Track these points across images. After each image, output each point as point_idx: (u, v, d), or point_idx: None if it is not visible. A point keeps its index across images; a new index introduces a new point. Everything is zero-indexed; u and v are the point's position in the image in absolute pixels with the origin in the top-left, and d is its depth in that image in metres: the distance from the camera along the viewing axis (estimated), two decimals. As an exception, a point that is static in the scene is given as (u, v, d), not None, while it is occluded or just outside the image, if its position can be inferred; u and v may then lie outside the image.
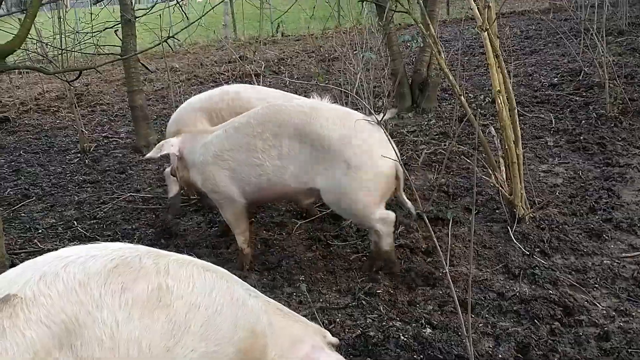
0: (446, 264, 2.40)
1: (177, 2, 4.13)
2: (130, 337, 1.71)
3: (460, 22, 11.54)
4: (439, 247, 2.39)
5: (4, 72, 3.65)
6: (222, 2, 4.58)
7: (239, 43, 14.20)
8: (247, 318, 1.96)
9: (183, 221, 4.26)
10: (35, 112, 8.68)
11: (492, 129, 4.18)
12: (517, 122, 3.68)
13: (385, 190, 3.21)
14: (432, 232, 2.38)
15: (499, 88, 3.60)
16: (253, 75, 6.90)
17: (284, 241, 3.84)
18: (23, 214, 4.63)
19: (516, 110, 3.68)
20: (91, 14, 6.07)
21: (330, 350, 2.12)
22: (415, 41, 2.89)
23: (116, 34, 6.01)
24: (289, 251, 3.68)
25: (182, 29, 4.38)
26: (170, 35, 4.32)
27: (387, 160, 2.97)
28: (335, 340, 2.21)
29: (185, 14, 4.20)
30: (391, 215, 3.26)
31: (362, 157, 3.09)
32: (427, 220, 2.39)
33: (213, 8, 4.42)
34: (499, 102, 3.62)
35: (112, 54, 6.09)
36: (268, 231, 4.01)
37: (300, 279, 3.29)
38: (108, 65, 12.66)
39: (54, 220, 4.48)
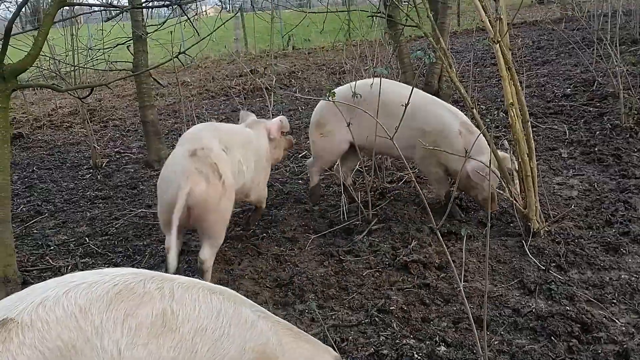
0: (460, 279, 2.36)
1: (188, 18, 4.14)
2: None
3: (472, 33, 11.52)
4: (452, 263, 2.36)
5: (18, 89, 3.66)
6: (233, 17, 4.58)
7: (250, 57, 14.28)
8: (256, 339, 1.94)
9: (194, 237, 4.24)
10: (49, 128, 8.74)
11: (505, 141, 4.14)
12: (531, 135, 3.63)
13: None
14: (445, 247, 2.33)
15: (511, 100, 3.56)
16: (264, 89, 6.91)
17: (296, 257, 3.81)
18: (35, 231, 4.64)
19: (529, 123, 3.64)
20: (102, 30, 6.10)
21: None
22: (427, 57, 2.87)
23: (128, 50, 6.06)
24: (301, 267, 3.65)
25: (193, 45, 4.40)
26: (182, 51, 4.33)
27: None
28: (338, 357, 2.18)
29: (196, 29, 4.20)
30: None
31: None
32: (439, 235, 2.36)
33: (224, 23, 4.42)
34: (512, 114, 3.58)
35: (124, 70, 6.13)
36: (280, 247, 3.98)
37: (311, 297, 3.25)
38: (120, 80, 12.81)
39: (65, 237, 4.48)
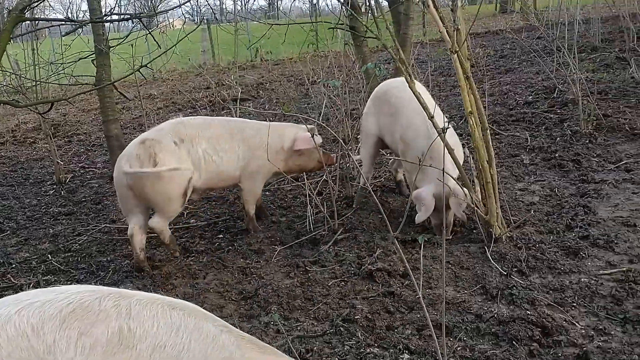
0: (419, 287, 2.38)
1: (149, 32, 4.12)
2: None
3: (438, 43, 11.69)
4: (409, 270, 2.38)
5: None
6: (196, 29, 4.58)
7: (218, 69, 14.24)
8: (219, 354, 1.91)
9: (158, 251, 4.20)
10: (12, 144, 8.58)
11: (467, 149, 4.21)
12: (490, 142, 3.69)
13: None
14: (403, 255, 2.35)
15: (470, 109, 3.62)
16: (231, 101, 6.91)
17: (262, 269, 3.80)
18: (-4, 249, 4.54)
19: (489, 131, 3.70)
20: (62, 45, 6.02)
21: None
22: (378, 69, 2.91)
23: (93, 64, 5.99)
24: (267, 279, 3.63)
25: (155, 57, 4.38)
26: (143, 64, 4.30)
27: None
28: None
29: (158, 43, 4.18)
30: None
31: None
32: (397, 244, 2.38)
33: (187, 35, 4.41)
34: (472, 122, 3.64)
35: (86, 84, 6.05)
36: (245, 259, 3.96)
37: (275, 308, 3.24)
38: (85, 94, 12.65)
39: (28, 254, 4.40)
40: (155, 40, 4.14)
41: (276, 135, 4.30)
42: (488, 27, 15.68)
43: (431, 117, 3.61)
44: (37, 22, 5.00)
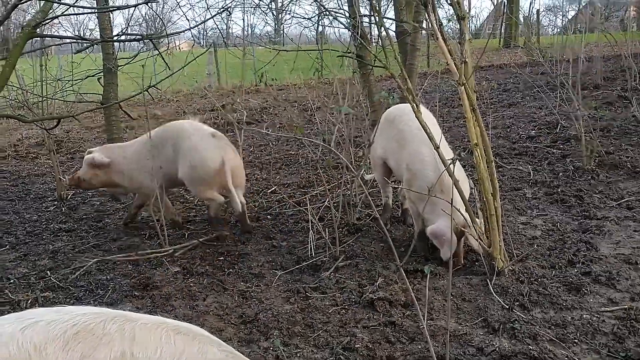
0: (424, 318, 2.37)
1: (159, 53, 4.16)
2: None
3: (441, 74, 11.80)
4: (415, 301, 2.37)
5: (-19, 119, 3.61)
6: (205, 52, 4.63)
7: (222, 92, 14.34)
8: None
9: (158, 271, 4.17)
10: (14, 159, 8.60)
11: (471, 181, 4.22)
12: (495, 175, 3.71)
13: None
14: (409, 285, 2.34)
15: (476, 141, 3.64)
16: (235, 124, 6.94)
17: (262, 293, 3.78)
18: (-7, 263, 4.52)
19: (494, 163, 3.72)
20: (73, 62, 6.08)
21: None
22: (392, 98, 2.93)
23: (99, 82, 6.04)
24: (267, 304, 3.61)
25: (163, 79, 4.42)
26: (152, 84, 4.34)
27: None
28: None
29: (167, 64, 4.22)
30: None
31: None
32: (403, 273, 2.37)
33: (196, 58, 4.46)
34: (477, 154, 3.66)
35: (92, 102, 6.10)
36: (246, 282, 3.94)
37: (275, 334, 3.21)
38: (89, 112, 12.72)
39: (26, 270, 4.37)
40: (165, 61, 4.18)
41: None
42: (492, 60, 15.86)
43: (437, 148, 3.64)
44: (47, 38, 5.04)
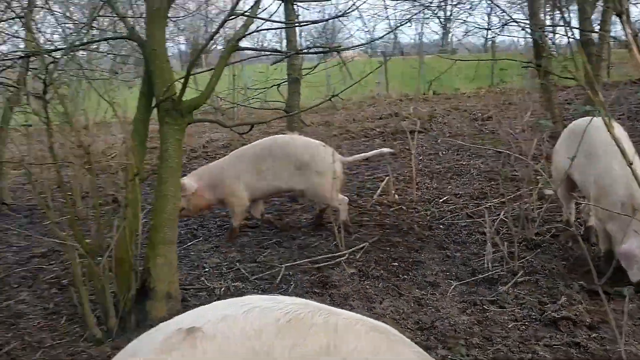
0: (620, 341, 2.25)
1: (344, 64, 4.39)
2: None
3: (622, 84, 10.91)
4: (613, 323, 2.26)
5: (191, 123, 4.06)
6: (384, 64, 4.76)
7: (391, 100, 14.53)
8: None
9: (336, 272, 4.37)
10: (204, 159, 9.45)
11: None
12: None
13: None
14: (608, 307, 2.25)
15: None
16: (408, 132, 7.03)
17: (438, 302, 3.80)
18: (192, 253, 5.03)
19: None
20: (261, 72, 6.58)
21: None
22: (597, 112, 2.80)
23: (278, 91, 6.49)
24: (443, 312, 3.63)
25: (346, 88, 4.62)
26: (335, 93, 4.56)
27: None
28: None
29: (350, 73, 4.42)
30: None
31: None
32: (602, 294, 2.27)
33: (377, 69, 4.60)
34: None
35: (277, 109, 6.54)
36: (421, 290, 3.99)
37: (460, 342, 3.22)
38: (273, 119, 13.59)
39: (218, 260, 4.81)
40: (348, 71, 4.38)
41: None
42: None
43: (630, 164, 3.40)
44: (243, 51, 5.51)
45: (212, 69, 4.18)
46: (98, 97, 5.93)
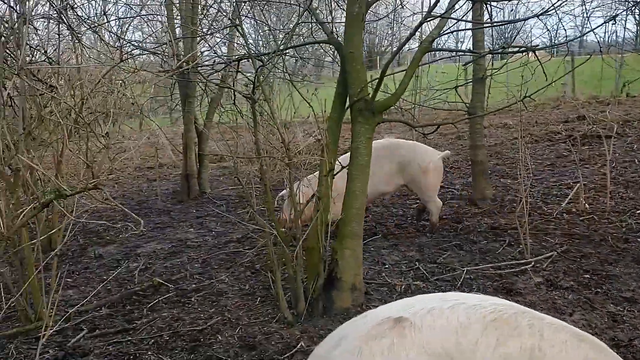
0: None
1: (540, 63, 4.20)
2: None
3: None
4: None
5: (380, 123, 4.18)
6: (584, 63, 4.48)
7: (576, 102, 13.60)
8: None
9: (521, 279, 4.24)
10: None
11: None
12: None
13: None
14: None
15: None
16: (603, 137, 6.56)
17: (635, 319, 3.53)
18: (372, 249, 5.17)
19: None
20: (443, 72, 6.55)
21: None
22: None
23: (456, 92, 6.39)
24: (642, 331, 3.36)
25: (540, 89, 4.43)
26: (527, 94, 4.40)
27: None
28: None
29: (545, 73, 4.23)
30: None
31: None
32: None
33: (579, 65, 4.35)
34: None
35: (459, 110, 6.46)
36: (616, 305, 3.73)
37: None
38: (442, 115, 13.47)
39: (397, 258, 4.90)
40: (544, 71, 4.19)
41: None
42: None
43: None
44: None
45: (403, 71, 4.26)
46: (287, 97, 6.34)
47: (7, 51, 3.33)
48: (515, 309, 1.93)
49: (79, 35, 4.56)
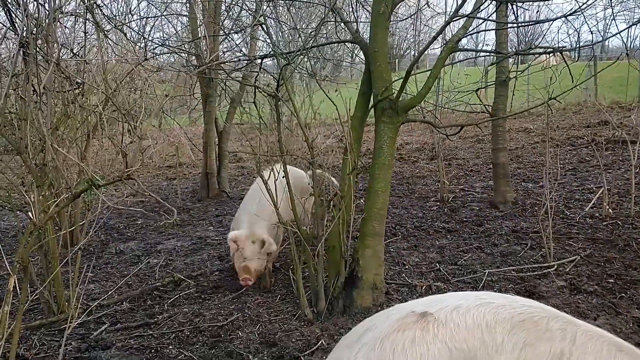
0: None
1: (567, 65, 4.17)
2: None
3: None
4: None
5: (405, 123, 4.17)
6: (610, 65, 4.44)
7: (599, 107, 13.45)
8: None
9: (543, 282, 4.19)
10: (397, 161, 9.62)
11: None
12: None
13: None
14: None
15: None
16: (626, 142, 6.48)
17: (662, 325, 3.48)
18: (392, 249, 5.16)
19: None
20: (466, 74, 6.52)
21: None
22: None
23: (477, 94, 6.36)
24: (670, 337, 3.31)
25: (565, 91, 4.39)
26: (552, 96, 4.36)
27: None
28: None
29: (571, 74, 4.19)
30: None
31: None
32: None
33: (601, 71, 4.31)
34: None
35: (481, 112, 6.42)
36: (641, 310, 3.68)
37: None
38: (461, 119, 13.42)
39: (418, 260, 4.88)
40: (570, 72, 4.15)
41: None
42: None
43: None
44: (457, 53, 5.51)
45: (428, 70, 4.25)
46: (306, 97, 6.35)
47: (37, 48, 3.36)
48: (548, 312, 1.89)
49: (106, 32, 4.60)
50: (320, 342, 3.43)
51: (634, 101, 13.37)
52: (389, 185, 4.04)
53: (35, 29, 3.48)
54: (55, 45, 3.70)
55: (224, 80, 6.61)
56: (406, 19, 5.62)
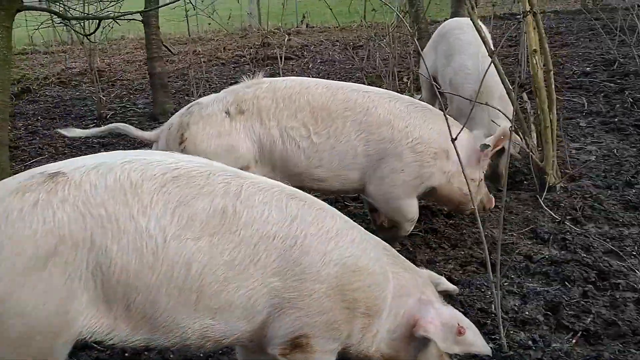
0: (482, 226, 2.22)
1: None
2: (177, 258, 1.51)
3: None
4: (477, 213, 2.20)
5: (22, 10, 3.52)
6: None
7: (263, 32, 14.11)
8: (343, 251, 1.69)
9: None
10: (57, 85, 8.63)
11: (524, 94, 3.99)
12: (553, 85, 3.49)
13: None
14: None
15: (535, 47, 3.39)
16: (279, 58, 6.79)
17: None
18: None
19: (552, 72, 3.48)
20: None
21: (442, 304, 1.81)
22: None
23: None
24: None
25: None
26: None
27: None
28: (453, 288, 1.96)
29: None
30: None
31: None
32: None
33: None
34: (534, 62, 3.42)
35: (130, 12, 5.97)
36: None
37: None
38: (131, 47, 12.72)
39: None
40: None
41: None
42: (543, 7, 15.14)
43: (492, 53, 3.39)
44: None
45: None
46: None
47: None
48: (211, 167, 1.66)
49: None
50: None
51: (293, 26, 14.33)
52: (8, 83, 3.44)
53: None
54: None
55: None
56: None
